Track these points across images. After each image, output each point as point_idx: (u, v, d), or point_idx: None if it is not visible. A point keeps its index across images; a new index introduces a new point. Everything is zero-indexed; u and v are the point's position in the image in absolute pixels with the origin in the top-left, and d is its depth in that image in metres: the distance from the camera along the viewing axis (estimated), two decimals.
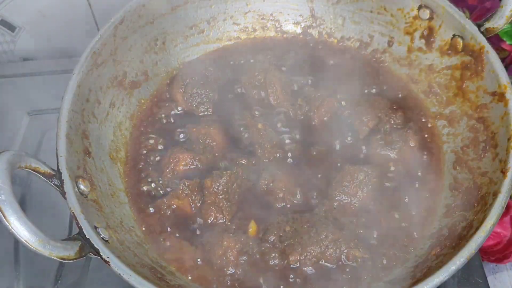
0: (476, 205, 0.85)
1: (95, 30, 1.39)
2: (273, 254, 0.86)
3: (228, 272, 0.86)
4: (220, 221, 0.91)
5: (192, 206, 0.92)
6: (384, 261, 0.87)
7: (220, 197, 0.91)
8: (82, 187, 0.82)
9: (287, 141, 1.01)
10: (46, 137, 1.22)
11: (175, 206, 0.93)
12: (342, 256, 0.86)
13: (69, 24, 1.40)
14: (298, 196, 0.94)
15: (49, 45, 1.45)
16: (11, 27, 1.40)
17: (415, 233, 0.90)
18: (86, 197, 0.83)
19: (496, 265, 1.14)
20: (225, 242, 0.86)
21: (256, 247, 0.87)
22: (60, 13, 1.39)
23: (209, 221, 0.91)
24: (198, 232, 0.91)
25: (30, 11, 1.37)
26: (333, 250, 0.85)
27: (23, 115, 1.28)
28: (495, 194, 0.80)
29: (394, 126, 1.01)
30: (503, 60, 1.12)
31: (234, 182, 0.93)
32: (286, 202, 0.93)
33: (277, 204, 0.93)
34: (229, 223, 0.91)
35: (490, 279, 1.09)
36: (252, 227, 0.90)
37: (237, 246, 0.86)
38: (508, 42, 1.21)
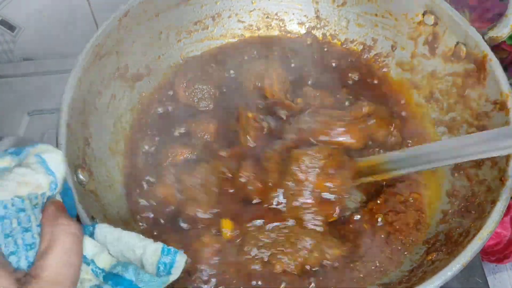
0: (473, 212, 0.85)
1: (95, 30, 1.38)
2: (256, 264, 0.84)
3: (202, 268, 0.84)
4: (200, 216, 0.88)
5: (177, 197, 0.91)
6: (377, 264, 0.87)
7: (197, 190, 0.90)
8: (81, 177, 0.82)
9: (274, 134, 0.98)
10: (46, 137, 1.22)
11: (162, 196, 0.91)
12: (325, 261, 0.85)
13: (69, 24, 1.40)
14: (278, 194, 0.90)
15: (49, 45, 1.44)
16: (11, 27, 1.39)
17: (409, 239, 0.90)
18: (84, 187, 0.83)
19: (496, 265, 1.13)
20: (204, 238, 0.85)
21: (235, 252, 0.85)
22: (60, 13, 1.38)
23: (191, 214, 0.88)
24: (183, 225, 0.89)
25: (30, 11, 1.37)
26: (318, 254, 0.84)
27: (23, 115, 1.28)
28: (493, 202, 0.79)
29: (393, 130, 1.01)
30: (503, 60, 1.12)
31: (212, 174, 0.91)
32: (262, 199, 0.90)
33: (254, 200, 0.90)
34: (207, 217, 0.88)
35: (490, 279, 1.08)
36: (227, 226, 0.87)
37: (215, 245, 0.85)
38: (508, 42, 1.20)
